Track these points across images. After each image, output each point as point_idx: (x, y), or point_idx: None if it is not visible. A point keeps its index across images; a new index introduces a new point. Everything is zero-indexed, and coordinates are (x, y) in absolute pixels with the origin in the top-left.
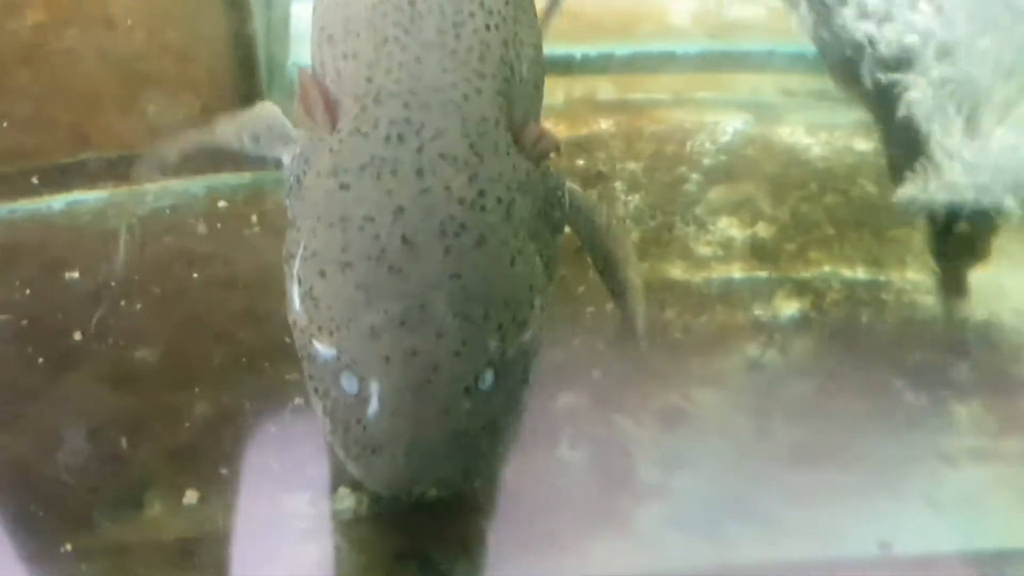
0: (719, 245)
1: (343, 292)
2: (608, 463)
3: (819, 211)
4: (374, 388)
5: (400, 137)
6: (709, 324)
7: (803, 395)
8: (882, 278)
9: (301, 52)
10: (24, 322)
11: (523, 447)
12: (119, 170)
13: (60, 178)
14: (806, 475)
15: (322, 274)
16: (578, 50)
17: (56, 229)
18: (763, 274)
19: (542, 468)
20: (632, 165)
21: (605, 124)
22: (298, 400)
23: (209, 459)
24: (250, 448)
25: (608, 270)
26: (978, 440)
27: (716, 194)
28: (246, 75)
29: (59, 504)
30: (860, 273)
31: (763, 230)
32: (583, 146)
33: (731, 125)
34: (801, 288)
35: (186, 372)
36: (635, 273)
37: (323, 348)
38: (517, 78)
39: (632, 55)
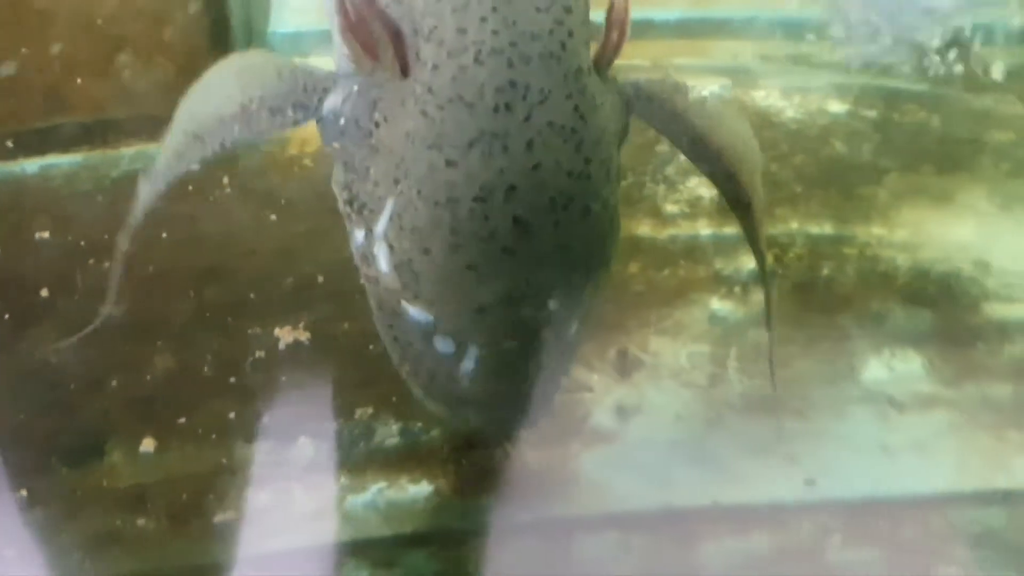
0: (687, 203)
1: (451, 272)
2: (560, 410)
3: (788, 170)
4: (472, 352)
5: (508, 106)
6: (671, 278)
7: (759, 345)
8: (846, 233)
9: (281, 21)
10: None
11: None
12: (94, 134)
13: (35, 142)
14: (758, 422)
15: (426, 251)
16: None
17: (29, 191)
18: (729, 231)
19: None
20: None
21: None
22: (259, 354)
23: (168, 410)
24: (209, 399)
25: (713, 173)
26: (932, 387)
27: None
28: (221, 39)
29: (18, 451)
30: (825, 229)
31: None
32: None
33: (708, 89)
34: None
35: (149, 327)
36: (747, 179)
37: (418, 313)
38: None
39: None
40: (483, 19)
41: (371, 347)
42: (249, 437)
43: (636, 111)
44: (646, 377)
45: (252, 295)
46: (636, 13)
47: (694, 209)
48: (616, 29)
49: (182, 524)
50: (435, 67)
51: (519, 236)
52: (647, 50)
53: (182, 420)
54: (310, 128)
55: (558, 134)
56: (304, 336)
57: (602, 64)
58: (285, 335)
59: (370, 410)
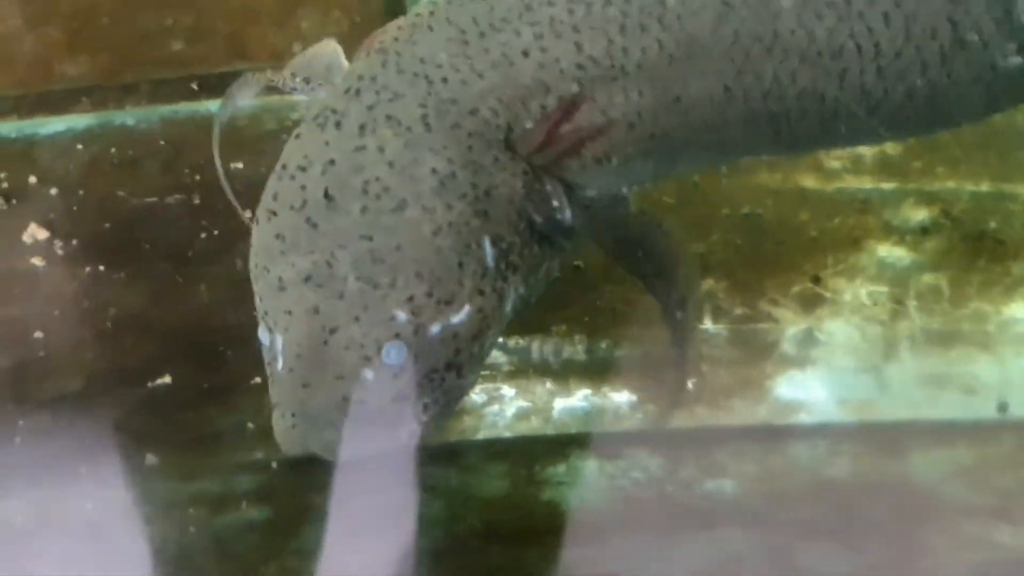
0: (849, 160)
1: (265, 240)
2: (750, 337)
3: (946, 135)
4: (278, 342)
5: (358, 92)
6: (842, 226)
7: (937, 286)
8: (1007, 191)
9: None
10: (196, 200)
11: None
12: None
13: (218, 85)
14: (944, 353)
15: (256, 220)
16: None
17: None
18: (892, 186)
19: None
20: None
21: None
22: None
23: None
24: None
25: (646, 280)
26: None
27: None
28: None
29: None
30: (986, 187)
31: (891, 148)
32: None
33: None
34: (930, 198)
35: None
36: (678, 293)
37: (256, 296)
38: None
39: None
40: (397, 38)
41: (563, 271)
42: None
43: (575, 219)
44: (829, 312)
45: None
46: None
47: (856, 165)
48: (551, 131)
49: None
50: None
51: (324, 211)
52: None
53: None
54: None
55: (392, 126)
56: None
57: (522, 149)
58: None
59: (564, 327)
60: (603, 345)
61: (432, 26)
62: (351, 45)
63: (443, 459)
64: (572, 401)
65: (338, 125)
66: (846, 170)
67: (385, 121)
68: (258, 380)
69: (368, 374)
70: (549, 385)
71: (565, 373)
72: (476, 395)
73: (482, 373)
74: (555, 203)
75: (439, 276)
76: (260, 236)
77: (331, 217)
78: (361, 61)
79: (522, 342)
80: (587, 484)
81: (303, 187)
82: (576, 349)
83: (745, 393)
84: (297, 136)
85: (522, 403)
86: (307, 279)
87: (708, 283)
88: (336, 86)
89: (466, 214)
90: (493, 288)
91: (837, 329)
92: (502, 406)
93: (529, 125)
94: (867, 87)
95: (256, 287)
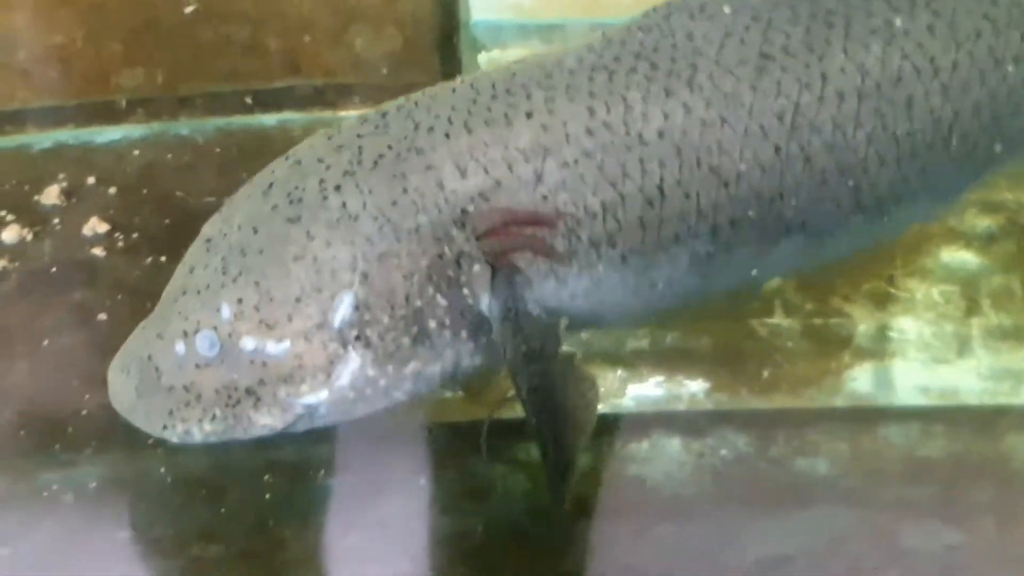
0: None
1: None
2: (823, 331)
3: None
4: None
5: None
6: (908, 231)
7: (1007, 288)
8: None
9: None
10: None
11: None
12: (325, 96)
13: (271, 99)
14: (1015, 352)
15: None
16: None
17: (271, 139)
18: None
19: (755, 329)
20: None
21: None
22: None
23: None
24: None
25: (543, 426)
26: None
27: None
28: (446, 17)
29: None
30: None
31: None
32: None
33: None
34: (994, 208)
35: None
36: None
37: None
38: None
39: None
40: None
41: None
42: None
43: (498, 328)
44: (902, 309)
45: None
46: None
47: None
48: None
49: (474, 393)
50: None
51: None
52: None
53: None
54: None
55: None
56: None
57: (473, 228)
58: None
59: None
60: (668, 338)
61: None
62: (404, 64)
63: (524, 434)
64: (646, 388)
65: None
66: None
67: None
68: None
69: (179, 347)
70: (620, 372)
71: (635, 361)
72: None
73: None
74: (465, 291)
75: (272, 296)
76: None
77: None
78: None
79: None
80: (673, 460)
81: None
82: (639, 342)
83: (823, 382)
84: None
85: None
86: (208, 240)
87: (775, 281)
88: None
89: (342, 261)
90: (324, 344)
91: (911, 325)
92: None
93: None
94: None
95: None
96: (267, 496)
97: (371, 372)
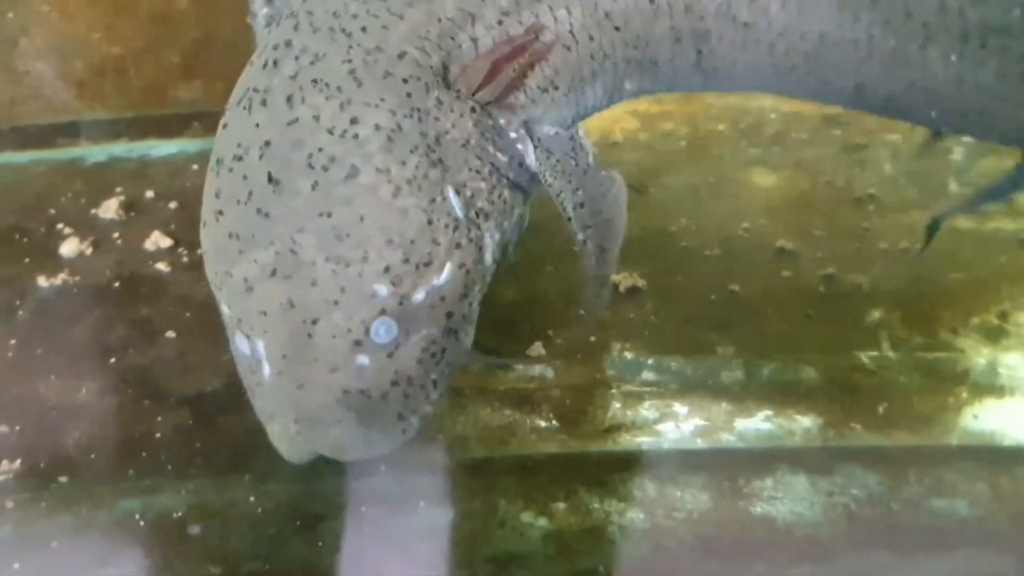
0: (1002, 204)
1: (219, 242)
2: (935, 365)
3: None
4: (260, 348)
5: (276, 63)
6: (1009, 265)
7: None
8: None
9: None
10: None
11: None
12: None
13: None
14: None
15: (204, 224)
16: None
17: None
18: None
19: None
20: (891, 137)
21: None
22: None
23: (524, 335)
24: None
25: (591, 240)
26: None
27: (986, 164)
28: None
29: None
30: None
31: None
32: (836, 120)
33: None
34: None
35: None
36: (614, 254)
37: (221, 306)
38: (477, 47)
39: None
40: None
41: (712, 296)
42: (614, 360)
43: (536, 160)
44: (1016, 343)
45: (575, 248)
46: None
47: (1011, 208)
48: (487, 64)
49: (571, 424)
50: None
51: (273, 196)
52: None
53: (540, 342)
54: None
55: (321, 90)
56: (641, 283)
57: (465, 88)
58: (624, 280)
59: (731, 349)
60: (765, 371)
61: None
62: None
63: (632, 467)
64: (754, 422)
65: (264, 103)
66: (1001, 212)
67: (312, 86)
68: None
69: (363, 359)
70: (725, 405)
71: (740, 394)
72: (646, 411)
73: (650, 390)
74: (512, 135)
75: (411, 239)
76: (212, 239)
77: (282, 201)
78: (273, 31)
79: (675, 364)
80: (802, 499)
81: (244, 177)
82: (735, 373)
83: (943, 419)
84: (225, 126)
85: (699, 421)
86: (273, 273)
87: (878, 313)
88: (251, 65)
89: (422, 166)
90: (469, 239)
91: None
92: (677, 423)
93: (464, 61)
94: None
95: (220, 296)
96: (365, 527)
97: (498, 236)
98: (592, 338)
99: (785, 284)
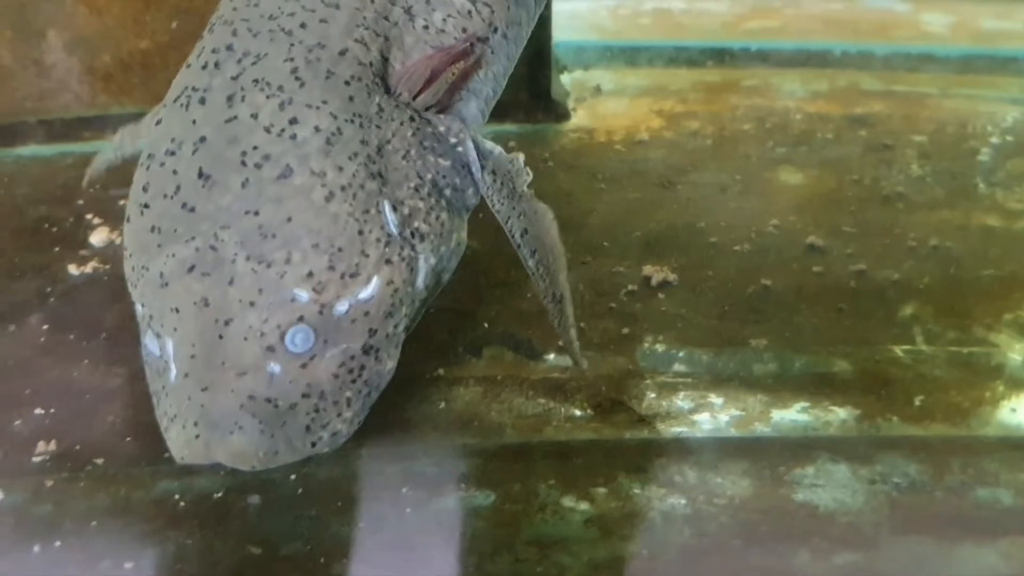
0: None
1: (140, 236)
2: (970, 360)
3: None
4: (168, 347)
5: (217, 65)
6: None
7: None
8: None
9: (562, 33)
10: None
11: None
12: None
13: None
14: None
15: (128, 219)
16: (837, 46)
17: None
18: None
19: (897, 356)
20: (917, 138)
21: (878, 106)
22: (631, 287)
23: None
24: (597, 319)
25: (540, 265)
26: None
27: (1014, 165)
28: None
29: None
30: None
31: None
32: (861, 121)
33: (1009, 115)
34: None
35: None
36: (564, 275)
37: (135, 304)
38: (413, 21)
39: (891, 54)
40: (231, 1)
41: (749, 289)
42: (645, 352)
43: (483, 183)
44: None
45: (604, 243)
46: (915, 48)
47: None
48: (427, 68)
49: (605, 413)
50: None
51: (202, 191)
52: (931, 81)
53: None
54: (614, 118)
55: (262, 89)
56: (672, 276)
57: (406, 91)
58: (656, 273)
59: (765, 342)
60: (799, 363)
61: None
62: None
63: (672, 454)
64: (790, 413)
65: (203, 101)
66: None
67: (253, 86)
68: (441, 372)
69: (274, 366)
70: (760, 396)
71: (775, 386)
72: (681, 401)
73: (684, 381)
74: (452, 140)
75: (339, 246)
76: (133, 233)
77: (209, 196)
78: (206, 37)
79: (708, 355)
80: (843, 487)
81: (175, 171)
82: (769, 365)
83: (980, 412)
84: (159, 122)
85: (735, 411)
86: (191, 269)
87: (911, 308)
88: (188, 67)
89: (360, 175)
90: (401, 256)
91: None
92: (713, 413)
93: (402, 40)
94: None
95: (135, 293)
96: (407, 510)
97: (433, 261)
98: (625, 330)
99: (816, 279)
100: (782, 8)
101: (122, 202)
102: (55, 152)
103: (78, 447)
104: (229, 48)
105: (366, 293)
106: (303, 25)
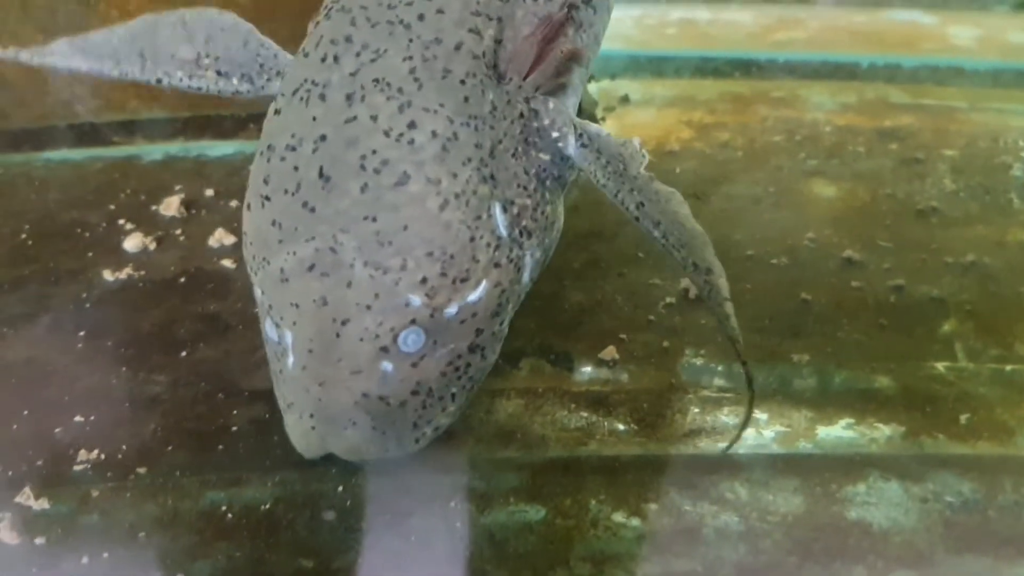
0: None
1: (261, 228)
2: (1015, 377)
3: None
4: (287, 338)
5: (336, 58)
6: None
7: None
8: None
9: None
10: None
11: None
12: None
13: None
14: None
15: (248, 207)
16: (864, 58)
17: None
18: None
19: (940, 373)
20: (949, 152)
21: (907, 120)
22: (668, 299)
23: (592, 338)
24: (634, 331)
25: (668, 236)
26: None
27: None
28: None
29: None
30: None
31: None
32: (892, 134)
33: None
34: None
35: (554, 270)
36: (710, 251)
37: (255, 288)
38: None
39: (919, 67)
40: None
41: (789, 303)
42: (686, 366)
43: (581, 157)
44: None
45: (640, 254)
46: (944, 61)
47: None
48: (543, 54)
49: (649, 427)
50: None
51: (321, 192)
52: (959, 95)
53: (613, 346)
54: (643, 128)
55: (382, 91)
56: None
57: (515, 73)
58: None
59: (806, 356)
60: (840, 379)
61: None
62: None
63: (721, 470)
64: (835, 429)
65: (323, 97)
66: None
67: (373, 86)
68: None
69: (387, 366)
70: (805, 411)
71: (819, 401)
72: (725, 416)
73: (728, 396)
74: (555, 134)
75: (451, 253)
76: (255, 223)
77: (329, 199)
78: (324, 24)
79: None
80: (896, 505)
81: (295, 168)
82: (810, 381)
83: None
84: (277, 112)
85: (779, 427)
86: (311, 268)
87: (951, 324)
88: (305, 55)
89: (473, 181)
90: (509, 258)
91: None
92: (759, 429)
93: (516, 20)
94: None
95: (255, 279)
96: (457, 524)
97: (538, 254)
98: (665, 343)
99: (855, 294)
100: (807, 20)
101: (154, 207)
102: (85, 156)
103: (120, 456)
104: (348, 40)
105: (475, 296)
106: (420, 17)
